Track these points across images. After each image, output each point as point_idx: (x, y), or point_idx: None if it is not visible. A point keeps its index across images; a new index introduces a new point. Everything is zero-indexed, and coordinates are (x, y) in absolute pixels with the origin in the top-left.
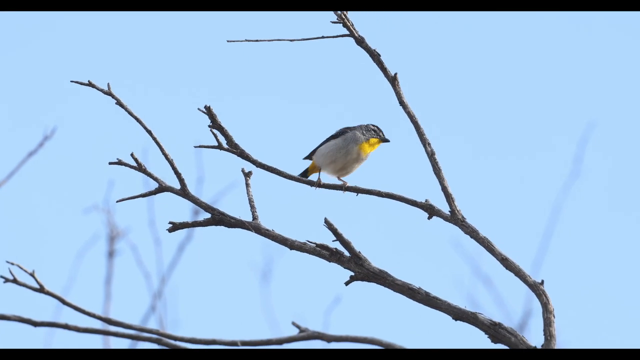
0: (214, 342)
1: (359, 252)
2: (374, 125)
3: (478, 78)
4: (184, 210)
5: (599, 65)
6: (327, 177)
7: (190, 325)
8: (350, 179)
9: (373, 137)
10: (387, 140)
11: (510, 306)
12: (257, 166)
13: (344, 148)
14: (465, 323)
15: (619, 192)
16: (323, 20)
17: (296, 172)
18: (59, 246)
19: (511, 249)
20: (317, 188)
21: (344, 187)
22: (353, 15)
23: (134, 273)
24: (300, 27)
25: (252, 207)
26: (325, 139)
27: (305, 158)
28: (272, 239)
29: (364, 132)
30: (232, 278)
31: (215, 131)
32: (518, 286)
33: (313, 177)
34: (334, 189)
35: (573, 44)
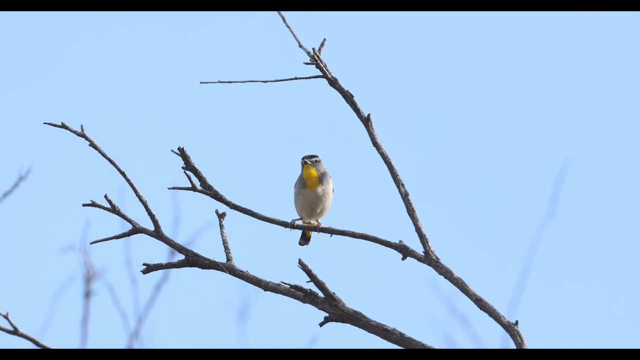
0: None
1: (334, 293)
2: (302, 160)
3: (451, 117)
4: (160, 250)
5: (575, 104)
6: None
7: None
8: (324, 220)
9: (303, 171)
10: (303, 162)
11: (487, 345)
12: (231, 207)
13: (300, 194)
14: None
15: (595, 231)
16: (298, 60)
17: (271, 214)
18: (35, 287)
19: (487, 289)
20: (292, 229)
21: (318, 228)
22: (327, 55)
23: (110, 313)
24: (275, 67)
25: (226, 248)
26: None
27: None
28: (247, 280)
29: (302, 166)
30: (209, 318)
31: (189, 173)
32: (496, 325)
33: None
34: (308, 230)
35: (549, 83)
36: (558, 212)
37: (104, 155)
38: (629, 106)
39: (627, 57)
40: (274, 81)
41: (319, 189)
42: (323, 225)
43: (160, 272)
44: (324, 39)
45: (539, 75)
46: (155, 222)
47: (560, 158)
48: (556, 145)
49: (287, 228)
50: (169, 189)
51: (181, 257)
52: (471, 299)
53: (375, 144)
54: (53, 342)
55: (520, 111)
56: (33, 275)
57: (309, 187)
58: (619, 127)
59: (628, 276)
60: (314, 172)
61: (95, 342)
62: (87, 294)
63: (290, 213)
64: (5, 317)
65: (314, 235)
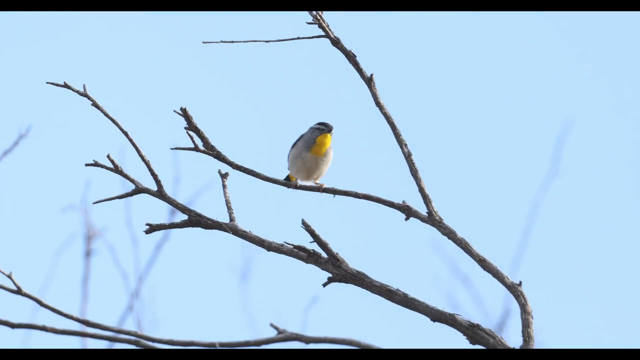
0: (192, 343)
1: (337, 253)
2: (317, 124)
3: (454, 77)
4: (161, 210)
5: (577, 62)
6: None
7: (168, 325)
8: (327, 181)
9: (318, 136)
10: (328, 129)
11: (489, 306)
12: (233, 168)
13: (299, 157)
14: (443, 324)
15: (597, 190)
16: (300, 20)
17: (273, 174)
18: (36, 246)
19: (489, 250)
20: (295, 189)
21: (321, 189)
22: (329, 15)
23: (111, 273)
24: (277, 27)
25: (229, 208)
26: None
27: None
28: (249, 241)
29: (311, 134)
30: (211, 278)
31: (191, 133)
32: (497, 285)
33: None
34: (311, 190)
35: (549, 41)
36: (560, 172)
37: (106, 115)
38: (632, 66)
39: (627, 25)
40: (277, 41)
41: (320, 158)
42: (326, 186)
43: (160, 232)
44: None
45: (543, 35)
46: (158, 182)
47: (562, 117)
48: (558, 104)
49: (290, 188)
50: (171, 149)
51: (183, 217)
52: (474, 260)
53: (378, 103)
54: (54, 301)
55: (523, 70)
56: (34, 235)
57: (313, 152)
58: (621, 86)
59: (630, 235)
60: (329, 142)
61: (96, 301)
62: (88, 254)
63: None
64: (9, 276)
65: (317, 195)
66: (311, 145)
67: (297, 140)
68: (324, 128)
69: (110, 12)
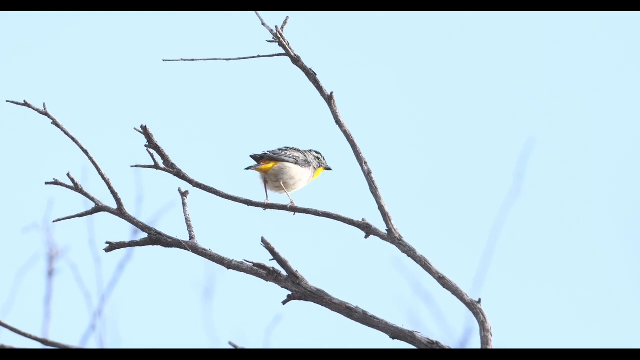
0: None
1: (296, 271)
2: (317, 152)
3: (414, 95)
4: (123, 229)
5: (540, 81)
6: (272, 197)
7: (131, 344)
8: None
9: (319, 166)
10: (329, 169)
11: (451, 323)
12: (194, 185)
13: (306, 177)
14: (403, 342)
15: (560, 210)
16: (260, 38)
17: (234, 192)
18: None
19: (451, 267)
20: (265, 209)
21: (287, 207)
22: (288, 29)
23: (73, 292)
24: (237, 44)
25: (189, 226)
26: (292, 156)
27: (258, 157)
28: (209, 259)
29: (315, 160)
30: (173, 296)
31: (152, 151)
32: (459, 303)
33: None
34: (274, 208)
35: (513, 59)
36: (522, 191)
37: (66, 134)
38: (594, 83)
39: (591, 38)
40: (237, 59)
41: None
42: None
43: (123, 251)
44: (287, 17)
45: (503, 54)
46: (117, 200)
47: (524, 136)
48: (520, 122)
49: (261, 207)
50: (131, 167)
51: (144, 235)
52: (434, 277)
53: (337, 122)
54: (16, 321)
55: (485, 89)
56: None
57: (312, 177)
58: (584, 105)
59: (592, 255)
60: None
61: (59, 321)
62: (50, 273)
63: (255, 191)
64: None
65: (277, 212)
66: (315, 169)
67: (308, 162)
68: (326, 164)
69: (70, 25)
